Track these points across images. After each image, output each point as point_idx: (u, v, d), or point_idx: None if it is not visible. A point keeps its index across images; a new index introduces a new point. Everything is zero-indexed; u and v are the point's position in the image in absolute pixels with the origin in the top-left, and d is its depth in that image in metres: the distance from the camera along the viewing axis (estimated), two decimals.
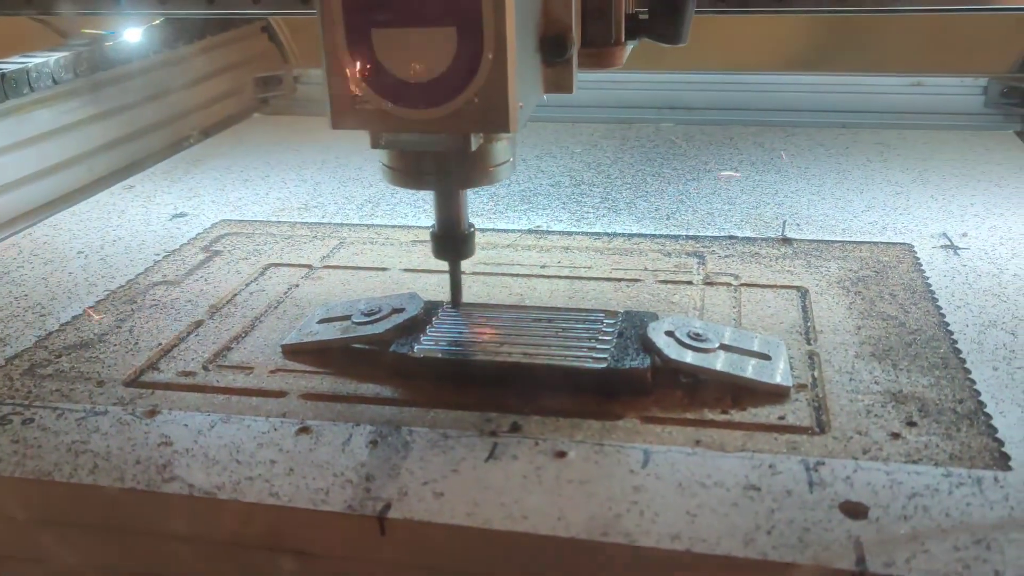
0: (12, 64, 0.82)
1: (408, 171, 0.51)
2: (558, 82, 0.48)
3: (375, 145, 0.48)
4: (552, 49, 0.47)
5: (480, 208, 0.82)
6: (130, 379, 0.54)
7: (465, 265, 0.68)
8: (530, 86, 0.46)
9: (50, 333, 0.60)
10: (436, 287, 0.65)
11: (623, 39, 0.49)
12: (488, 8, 0.42)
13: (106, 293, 0.66)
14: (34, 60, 0.83)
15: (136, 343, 0.58)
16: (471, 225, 0.55)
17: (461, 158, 0.50)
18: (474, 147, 0.47)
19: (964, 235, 0.72)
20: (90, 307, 0.61)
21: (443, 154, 0.49)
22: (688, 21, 0.50)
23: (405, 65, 0.43)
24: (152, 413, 0.50)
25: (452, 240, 0.54)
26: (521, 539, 0.40)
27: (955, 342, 0.55)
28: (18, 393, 0.52)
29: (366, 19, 0.43)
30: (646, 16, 0.51)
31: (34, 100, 0.87)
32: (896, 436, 0.46)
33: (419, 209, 0.82)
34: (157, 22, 1.03)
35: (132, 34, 1.00)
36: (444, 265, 0.69)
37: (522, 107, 0.44)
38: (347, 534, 0.41)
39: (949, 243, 0.70)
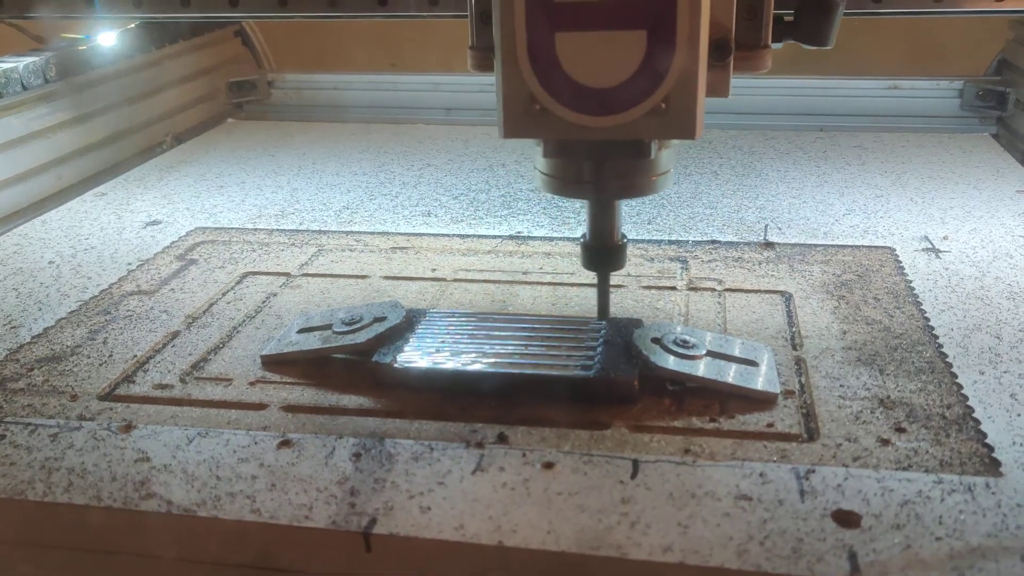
0: None
1: (567, 179, 0.49)
2: (715, 86, 0.46)
3: (548, 154, 0.46)
4: (715, 52, 0.45)
5: (460, 214, 0.81)
6: (105, 393, 0.52)
7: (446, 271, 0.68)
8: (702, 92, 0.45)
9: (21, 345, 0.58)
10: (417, 295, 0.64)
11: (770, 42, 0.48)
12: (684, 11, 0.40)
13: (79, 304, 0.65)
14: (3, 65, 0.81)
15: (111, 355, 0.57)
16: (624, 236, 0.53)
17: (626, 167, 0.48)
18: (652, 155, 0.45)
19: (945, 238, 0.72)
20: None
21: (604, 163, 0.48)
22: (837, 22, 0.49)
23: (589, 69, 0.42)
24: (128, 428, 0.49)
25: (605, 251, 0.52)
26: (510, 553, 0.39)
27: (940, 346, 0.55)
28: None
29: (549, 21, 0.42)
30: (791, 18, 0.49)
31: (3, 106, 0.85)
32: (886, 442, 0.45)
33: (398, 215, 0.82)
34: (132, 26, 1.01)
35: (107, 38, 0.98)
36: (425, 272, 0.68)
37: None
38: (332, 551, 0.40)
39: (931, 246, 0.70)
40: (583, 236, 0.53)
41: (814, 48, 0.49)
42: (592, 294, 0.63)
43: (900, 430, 0.46)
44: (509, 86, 0.43)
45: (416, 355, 0.53)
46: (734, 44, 0.46)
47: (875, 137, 1.03)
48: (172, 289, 0.67)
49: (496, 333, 0.55)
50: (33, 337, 0.60)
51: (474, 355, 0.53)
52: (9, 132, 0.87)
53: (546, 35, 0.42)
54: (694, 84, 0.42)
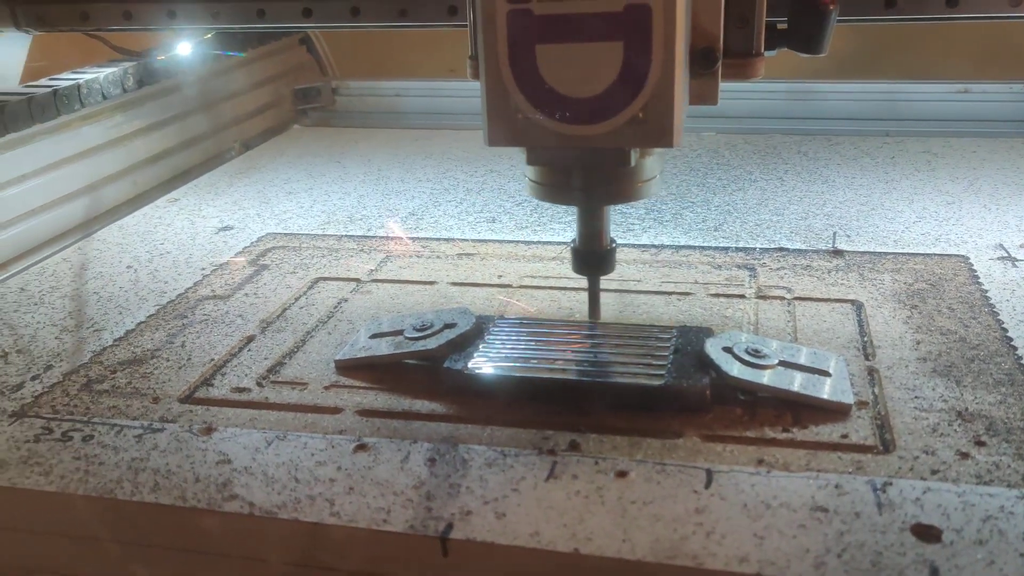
0: (64, 80, 0.83)
1: (555, 186, 0.51)
2: (703, 94, 0.47)
3: (531, 161, 0.48)
4: (701, 61, 0.46)
5: (524, 220, 0.82)
6: (185, 395, 0.54)
7: (512, 278, 0.68)
8: (684, 100, 0.46)
9: (105, 348, 0.60)
10: (484, 301, 0.65)
11: (763, 50, 0.49)
12: (659, 23, 0.41)
13: (157, 308, 0.66)
14: (85, 76, 0.84)
15: (189, 358, 0.58)
16: (612, 240, 0.54)
17: (611, 174, 0.49)
18: (633, 162, 0.46)
19: (1022, 246, 0.70)
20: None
21: (592, 169, 0.49)
22: (831, 31, 0.49)
23: (569, 80, 0.43)
24: (208, 430, 0.50)
25: (593, 255, 0.54)
26: (586, 561, 0.39)
27: (1020, 358, 0.54)
28: (76, 409, 0.53)
29: (530, 34, 0.43)
30: (784, 26, 0.50)
31: (83, 115, 0.88)
32: (965, 456, 0.45)
33: (463, 221, 0.82)
34: (208, 36, 1.04)
35: (184, 48, 1.01)
36: (491, 278, 0.69)
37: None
38: (409, 555, 0.41)
39: (1007, 254, 0.69)
40: (573, 241, 0.54)
41: (807, 56, 0.50)
42: (659, 301, 0.64)
43: (980, 443, 0.46)
44: (492, 96, 0.45)
45: (486, 362, 0.53)
46: (723, 52, 0.47)
47: (944, 142, 1.02)
48: (246, 294, 0.68)
49: (564, 340, 0.56)
50: (115, 340, 0.62)
51: (543, 362, 0.53)
52: (89, 140, 0.90)
53: (527, 47, 0.43)
54: (671, 94, 0.43)
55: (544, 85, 0.44)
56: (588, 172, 0.50)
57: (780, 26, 0.50)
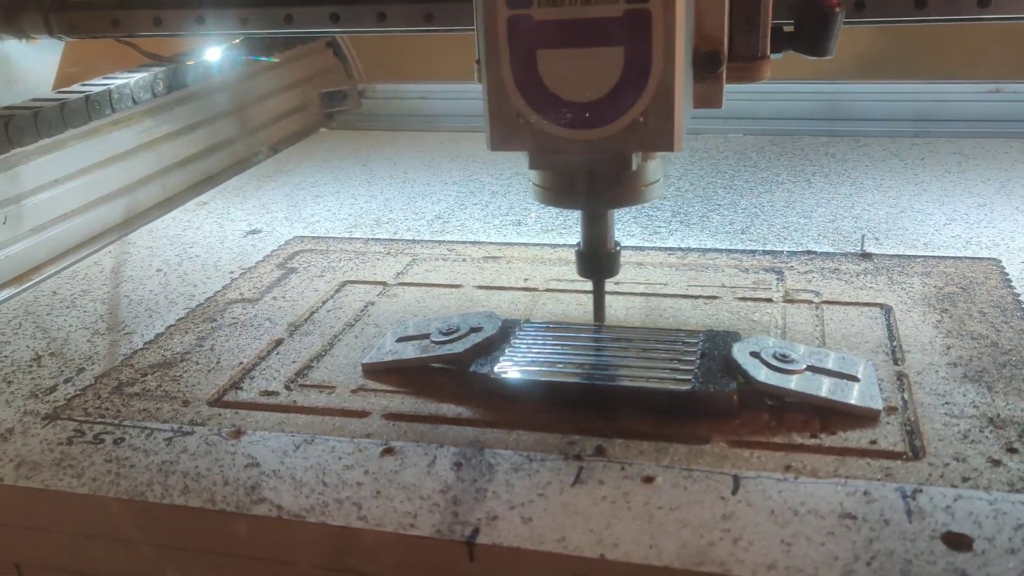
0: (96, 86, 0.84)
1: (559, 190, 0.51)
2: (707, 97, 0.47)
3: (533, 166, 0.48)
4: (704, 65, 0.46)
5: (550, 223, 0.82)
6: (214, 398, 0.55)
7: (537, 281, 0.68)
8: (687, 103, 0.46)
9: (135, 351, 0.61)
10: (510, 304, 0.65)
11: (769, 53, 0.49)
12: (659, 28, 0.42)
13: (186, 311, 0.67)
14: (116, 81, 0.85)
15: (218, 362, 0.59)
16: (617, 244, 0.55)
17: (615, 178, 0.49)
18: (634, 167, 0.46)
19: None
20: None
21: (596, 173, 0.49)
22: (837, 33, 0.49)
23: (571, 85, 0.43)
24: (237, 433, 0.50)
25: (597, 259, 0.54)
26: (613, 567, 0.39)
27: None
28: (108, 412, 0.53)
29: (531, 40, 0.43)
30: (791, 28, 0.50)
31: (114, 120, 0.90)
32: (997, 463, 0.44)
33: (489, 224, 0.83)
34: (236, 41, 1.05)
35: (213, 53, 1.02)
36: (517, 282, 0.69)
37: (683, 125, 0.44)
38: (436, 559, 0.41)
39: None
40: (578, 244, 0.54)
41: (813, 58, 0.49)
42: (686, 305, 0.63)
43: (1012, 450, 0.45)
44: (495, 101, 0.45)
45: (512, 366, 0.53)
46: (727, 56, 0.47)
47: (975, 143, 1.00)
48: (274, 297, 0.69)
49: (591, 344, 0.56)
50: (145, 343, 0.62)
51: (570, 367, 0.53)
52: (120, 145, 0.92)
53: (528, 52, 0.44)
54: (672, 98, 0.43)
55: (546, 90, 0.44)
56: (590, 176, 0.50)
57: (787, 28, 0.50)
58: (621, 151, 0.45)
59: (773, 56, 0.49)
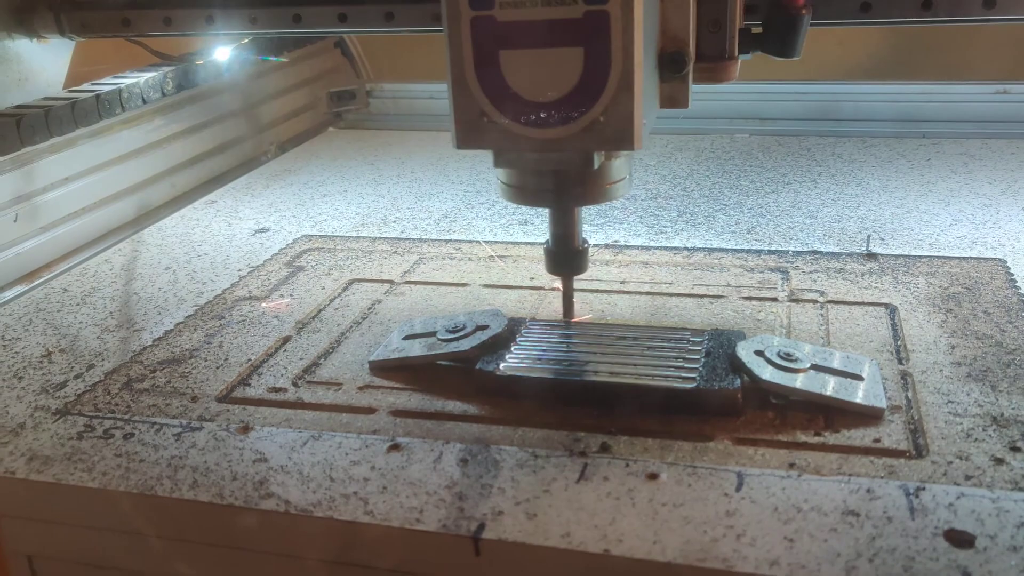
0: (106, 85, 0.84)
1: (526, 189, 0.52)
2: (674, 97, 0.48)
3: (499, 164, 0.49)
4: (670, 65, 0.47)
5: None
6: (222, 395, 0.55)
7: (544, 280, 0.69)
8: (650, 103, 0.46)
9: (144, 348, 0.62)
10: (516, 303, 0.66)
11: (736, 53, 0.49)
12: (616, 28, 0.42)
13: (195, 308, 0.68)
14: (126, 81, 0.86)
15: (226, 358, 0.59)
16: (585, 241, 0.55)
17: (580, 176, 0.50)
18: (596, 165, 0.47)
19: None
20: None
21: (562, 172, 0.50)
22: (804, 35, 0.50)
23: (532, 85, 0.44)
24: (246, 429, 0.51)
25: (566, 255, 0.55)
26: (617, 562, 0.39)
27: None
28: (118, 408, 0.54)
29: (493, 40, 0.44)
30: (759, 30, 0.50)
31: (124, 119, 0.90)
32: (1000, 462, 0.44)
33: (495, 224, 0.83)
34: (245, 41, 1.06)
35: (223, 53, 1.02)
36: (523, 281, 0.69)
37: (644, 124, 0.44)
38: (441, 554, 0.42)
39: None
40: (546, 242, 0.55)
41: (782, 59, 0.50)
42: (691, 304, 0.64)
43: (1015, 449, 0.45)
44: (460, 100, 0.46)
45: (518, 363, 0.54)
46: (696, 56, 0.48)
47: (982, 144, 1.00)
48: (282, 295, 0.69)
49: (596, 343, 0.56)
50: (155, 340, 0.63)
51: (575, 364, 0.53)
52: (130, 143, 0.92)
53: (491, 52, 0.44)
54: (631, 97, 0.43)
55: (508, 89, 0.45)
56: (555, 175, 0.51)
57: (755, 30, 0.51)
58: (583, 150, 0.46)
59: (741, 57, 0.50)
